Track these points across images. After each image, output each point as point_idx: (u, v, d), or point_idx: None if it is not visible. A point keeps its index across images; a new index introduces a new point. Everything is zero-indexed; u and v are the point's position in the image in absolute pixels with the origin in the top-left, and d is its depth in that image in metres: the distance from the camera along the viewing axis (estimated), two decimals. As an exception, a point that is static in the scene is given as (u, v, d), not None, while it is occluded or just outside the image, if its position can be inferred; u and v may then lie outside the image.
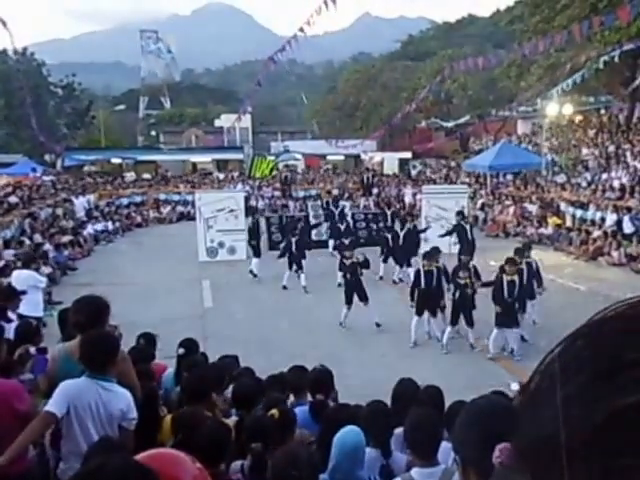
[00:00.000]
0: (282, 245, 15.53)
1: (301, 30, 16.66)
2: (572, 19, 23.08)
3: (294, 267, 14.39)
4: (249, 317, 12.20)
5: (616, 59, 23.25)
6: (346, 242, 14.05)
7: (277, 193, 29.92)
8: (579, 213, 19.47)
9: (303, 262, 14.35)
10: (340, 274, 13.09)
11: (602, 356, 0.46)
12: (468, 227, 15.17)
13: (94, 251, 20.45)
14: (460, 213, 15.55)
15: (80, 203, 24.66)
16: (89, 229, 21.97)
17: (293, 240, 14.50)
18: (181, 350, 5.61)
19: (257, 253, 15.91)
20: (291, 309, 12.81)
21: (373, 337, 10.91)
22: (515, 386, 3.66)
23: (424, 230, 15.91)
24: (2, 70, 42.19)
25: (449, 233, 15.11)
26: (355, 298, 11.33)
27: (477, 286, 10.08)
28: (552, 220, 19.97)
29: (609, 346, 0.46)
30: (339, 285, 14.10)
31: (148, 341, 5.88)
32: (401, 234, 14.90)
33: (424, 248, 13.00)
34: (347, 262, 11.56)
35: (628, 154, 23.09)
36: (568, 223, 19.76)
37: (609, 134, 27.95)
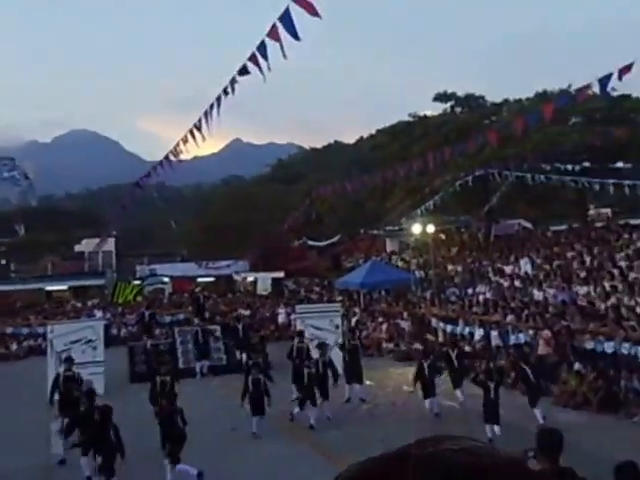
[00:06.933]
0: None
1: (166, 158, 16.24)
2: (427, 147, 24.89)
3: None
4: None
5: (470, 183, 25.19)
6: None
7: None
8: (449, 328, 19.67)
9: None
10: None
11: None
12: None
13: None
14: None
15: None
16: None
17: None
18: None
19: None
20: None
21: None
22: None
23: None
24: None
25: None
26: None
27: None
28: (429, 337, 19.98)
29: None
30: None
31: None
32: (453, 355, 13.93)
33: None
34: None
35: (490, 270, 24.30)
36: (441, 338, 19.82)
37: (469, 251, 29.59)
